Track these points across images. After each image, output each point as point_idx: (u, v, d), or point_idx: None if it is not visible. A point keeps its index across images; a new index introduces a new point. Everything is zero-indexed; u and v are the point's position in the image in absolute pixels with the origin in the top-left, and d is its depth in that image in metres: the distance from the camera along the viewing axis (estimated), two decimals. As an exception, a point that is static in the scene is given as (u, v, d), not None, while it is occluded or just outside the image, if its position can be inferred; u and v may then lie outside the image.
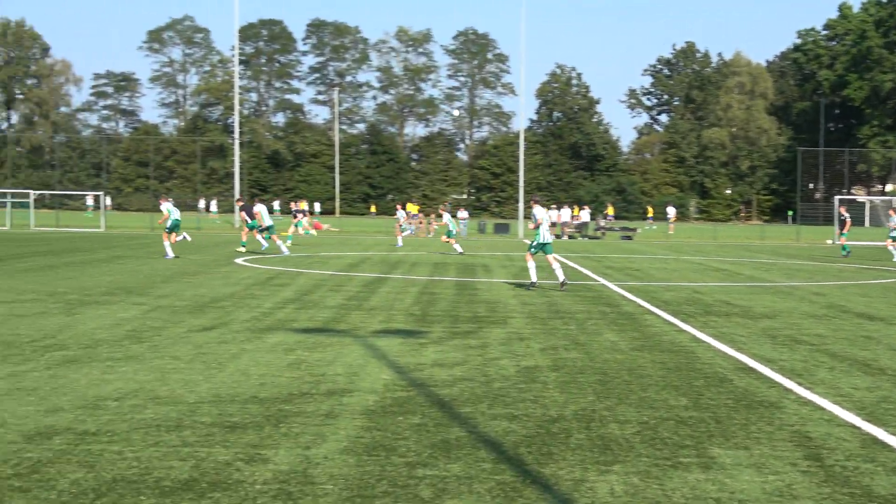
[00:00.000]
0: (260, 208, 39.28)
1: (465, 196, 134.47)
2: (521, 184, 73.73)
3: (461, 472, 7.55)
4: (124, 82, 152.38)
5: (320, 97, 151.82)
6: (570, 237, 65.23)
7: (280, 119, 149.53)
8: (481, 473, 7.54)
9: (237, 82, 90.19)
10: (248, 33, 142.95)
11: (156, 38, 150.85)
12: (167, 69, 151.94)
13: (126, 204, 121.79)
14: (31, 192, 74.95)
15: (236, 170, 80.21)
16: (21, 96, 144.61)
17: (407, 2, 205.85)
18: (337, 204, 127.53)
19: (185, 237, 40.07)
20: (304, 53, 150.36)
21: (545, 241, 23.98)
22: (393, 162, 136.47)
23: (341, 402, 10.01)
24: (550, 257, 24.23)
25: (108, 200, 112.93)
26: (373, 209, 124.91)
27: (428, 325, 16.54)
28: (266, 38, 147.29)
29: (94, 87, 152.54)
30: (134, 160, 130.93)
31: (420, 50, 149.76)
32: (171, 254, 33.81)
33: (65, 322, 15.94)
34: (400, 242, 48.41)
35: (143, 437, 8.39)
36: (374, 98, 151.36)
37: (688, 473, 7.71)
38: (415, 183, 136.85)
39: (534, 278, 24.21)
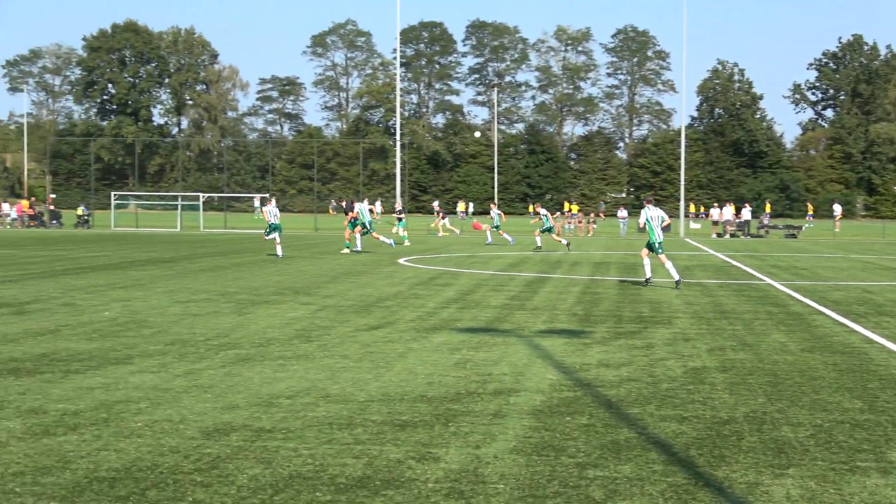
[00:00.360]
0: (360, 207, 39.94)
1: (623, 195, 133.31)
2: (682, 182, 72.74)
3: (632, 474, 7.51)
4: (289, 86, 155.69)
5: (479, 98, 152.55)
6: (733, 235, 64.07)
7: (440, 120, 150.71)
8: (652, 475, 7.49)
9: (398, 85, 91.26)
10: (409, 36, 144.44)
11: (319, 43, 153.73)
12: (330, 73, 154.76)
13: (290, 206, 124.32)
14: (201, 194, 77.17)
15: (397, 171, 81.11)
16: (191, 102, 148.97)
17: (566, 1, 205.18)
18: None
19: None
20: (464, 54, 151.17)
21: (660, 240, 24.48)
22: (551, 161, 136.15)
23: (508, 401, 10.05)
24: (662, 256, 24.48)
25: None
26: (530, 209, 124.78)
27: (591, 325, 16.47)
28: (426, 41, 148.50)
29: (259, 91, 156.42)
30: (297, 163, 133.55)
31: (579, 48, 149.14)
32: (359, 247, 37.31)
33: (237, 321, 16.38)
34: (511, 240, 48.80)
35: (317, 435, 8.56)
36: (533, 98, 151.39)
37: (866, 478, 7.51)
38: (573, 182, 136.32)
39: (648, 274, 24.64)
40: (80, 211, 68.78)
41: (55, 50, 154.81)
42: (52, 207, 74.01)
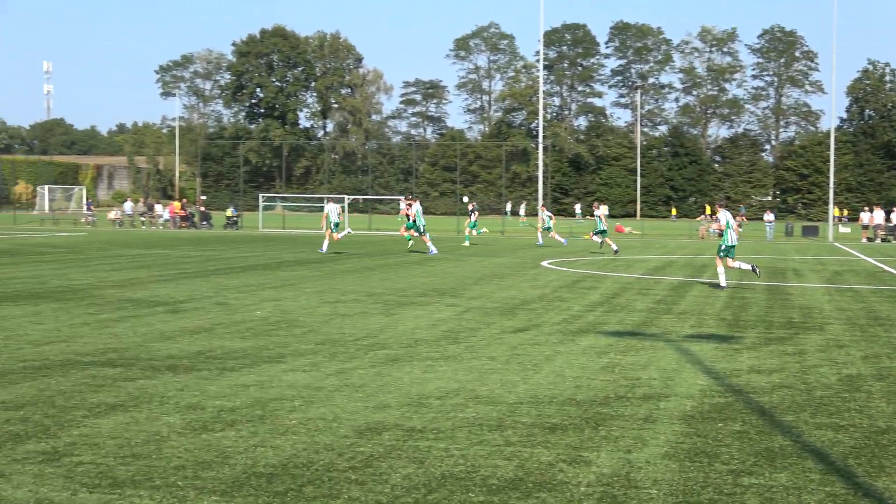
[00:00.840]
0: (415, 208, 40.06)
1: (769, 198, 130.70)
2: (832, 185, 71.02)
3: (788, 482, 7.38)
4: (432, 89, 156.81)
5: (622, 100, 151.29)
6: (884, 240, 62.31)
7: (582, 122, 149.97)
8: (809, 484, 7.35)
9: (541, 87, 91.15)
10: (551, 38, 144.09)
11: (462, 46, 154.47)
12: (473, 76, 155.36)
13: (433, 207, 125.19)
14: (346, 196, 78.25)
15: (539, 173, 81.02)
16: (336, 105, 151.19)
17: (711, 1, 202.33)
18: (638, 207, 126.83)
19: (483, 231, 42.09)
20: (607, 56, 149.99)
21: (732, 244, 24.85)
22: (695, 164, 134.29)
23: (658, 406, 9.97)
24: (729, 260, 24.92)
25: (509, 206, 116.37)
26: (673, 212, 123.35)
27: (741, 330, 16.22)
28: (569, 43, 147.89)
29: (403, 94, 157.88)
30: (440, 165, 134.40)
31: (724, 49, 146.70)
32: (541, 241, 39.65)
33: (385, 322, 16.58)
34: (564, 242, 48.32)
35: (468, 436, 8.62)
36: (677, 100, 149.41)
37: None
38: (718, 185, 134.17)
39: (723, 283, 24.49)
40: (229, 212, 70.38)
41: (206, 55, 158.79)
42: (202, 209, 75.90)
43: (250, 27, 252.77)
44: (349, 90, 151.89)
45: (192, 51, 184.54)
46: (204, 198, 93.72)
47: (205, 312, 17.55)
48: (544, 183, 79.58)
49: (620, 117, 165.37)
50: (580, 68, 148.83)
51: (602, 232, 42.23)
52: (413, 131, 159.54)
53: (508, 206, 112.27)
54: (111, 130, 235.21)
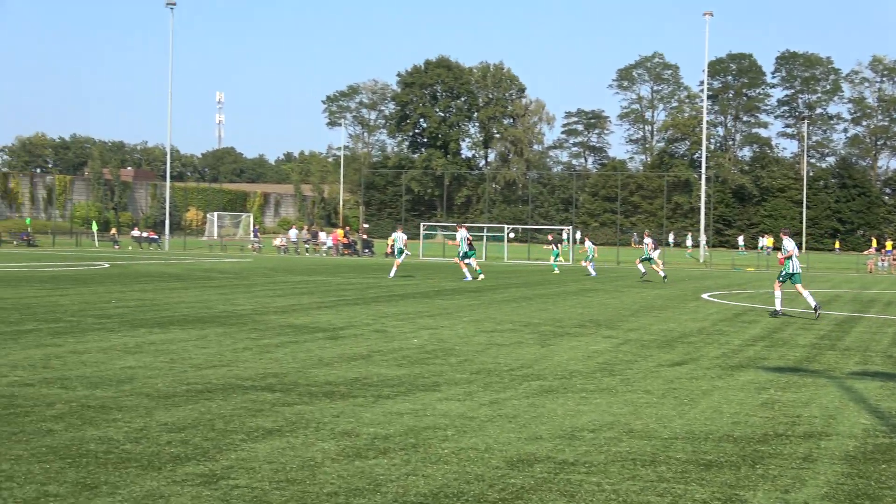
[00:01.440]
0: (462, 235, 39.94)
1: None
2: None
3: (955, 529, 7.07)
4: (594, 120, 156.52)
5: (788, 130, 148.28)
6: None
7: (746, 153, 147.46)
8: (978, 532, 7.03)
9: (705, 117, 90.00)
10: (716, 68, 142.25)
11: (625, 76, 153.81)
12: (635, 106, 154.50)
13: (592, 238, 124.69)
14: (505, 226, 78.43)
15: (702, 204, 80.00)
16: (498, 135, 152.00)
17: (882, 30, 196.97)
18: (803, 239, 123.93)
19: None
20: (773, 86, 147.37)
21: (794, 272, 25.42)
22: (864, 196, 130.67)
23: (819, 445, 9.68)
24: (799, 287, 25.56)
25: (578, 234, 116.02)
26: (836, 245, 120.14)
27: (909, 369, 15.65)
28: (734, 73, 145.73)
29: (565, 125, 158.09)
30: (601, 195, 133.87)
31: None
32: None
33: (540, 353, 16.54)
34: (592, 272, 47.83)
35: (620, 470, 8.52)
36: (845, 130, 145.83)
37: None
38: (888, 218, 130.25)
39: (779, 307, 25.22)
40: (391, 240, 71.27)
41: (372, 86, 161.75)
42: (364, 237, 77.01)
43: (415, 58, 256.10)
44: (511, 120, 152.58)
45: (358, 81, 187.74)
46: (367, 226, 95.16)
47: (363, 339, 17.79)
48: (706, 214, 78.36)
49: (786, 148, 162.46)
50: (745, 98, 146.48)
51: (648, 259, 42.88)
52: (574, 161, 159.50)
53: (671, 238, 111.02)
54: (279, 159, 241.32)
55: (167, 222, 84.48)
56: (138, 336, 17.33)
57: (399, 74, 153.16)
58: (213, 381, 12.56)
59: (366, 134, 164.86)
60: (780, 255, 25.92)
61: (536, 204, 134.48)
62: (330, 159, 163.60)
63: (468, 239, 40.73)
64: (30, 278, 33.46)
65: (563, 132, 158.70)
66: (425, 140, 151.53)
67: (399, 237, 41.50)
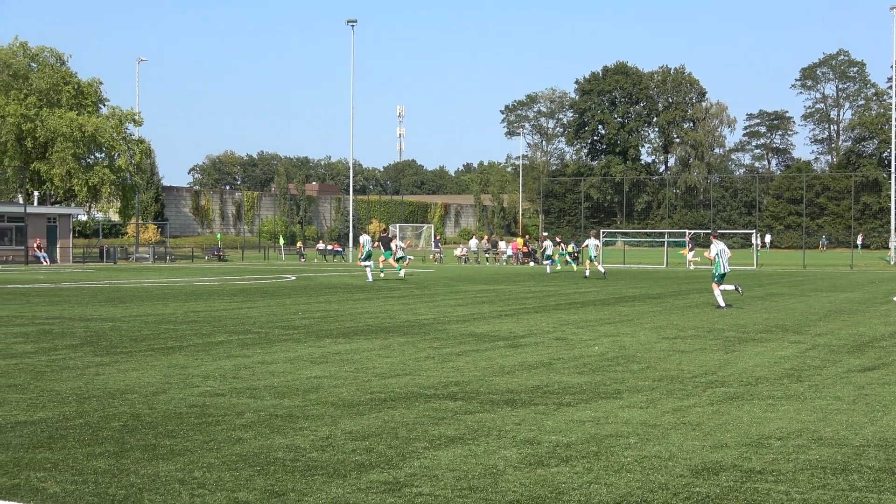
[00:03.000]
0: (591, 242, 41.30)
1: None
2: None
3: None
4: (777, 121, 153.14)
5: None
6: None
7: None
8: None
9: (895, 114, 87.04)
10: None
11: (809, 75, 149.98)
12: (820, 105, 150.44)
13: (777, 241, 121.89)
14: (687, 231, 77.36)
15: (892, 205, 77.36)
16: (678, 140, 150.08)
17: None
18: None
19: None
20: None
21: (724, 272, 27.91)
22: None
23: None
24: (720, 285, 27.98)
25: (768, 238, 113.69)
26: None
27: None
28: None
29: (746, 127, 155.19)
30: (785, 198, 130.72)
31: None
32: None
33: (724, 359, 16.23)
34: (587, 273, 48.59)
35: (809, 479, 8.29)
36: None
37: None
38: None
39: (721, 304, 27.46)
40: (570, 248, 71.02)
41: (549, 94, 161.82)
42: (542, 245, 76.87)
43: (593, 65, 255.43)
44: (692, 124, 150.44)
45: (536, 90, 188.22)
46: (546, 234, 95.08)
47: (544, 347, 17.77)
48: (898, 214, 75.79)
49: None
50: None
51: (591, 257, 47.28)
52: (757, 164, 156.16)
53: (859, 239, 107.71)
54: (458, 170, 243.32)
55: (350, 235, 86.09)
56: (324, 346, 17.70)
57: (577, 82, 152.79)
58: (397, 390, 12.73)
59: (544, 142, 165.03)
60: (708, 255, 28.64)
61: (718, 208, 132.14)
62: (509, 169, 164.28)
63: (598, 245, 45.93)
64: (220, 292, 34.56)
65: (744, 134, 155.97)
66: (604, 147, 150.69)
67: (398, 245, 43.52)
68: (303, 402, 11.86)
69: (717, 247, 28.10)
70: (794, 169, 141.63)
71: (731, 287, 28.42)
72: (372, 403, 11.77)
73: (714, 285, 27.96)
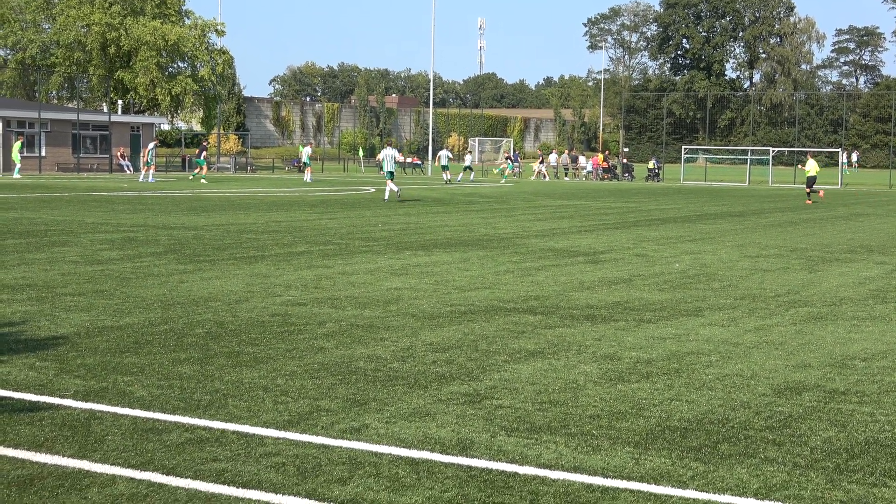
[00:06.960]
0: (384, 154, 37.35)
1: None
2: None
3: None
4: (867, 37, 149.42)
5: None
6: None
7: None
8: None
9: None
10: None
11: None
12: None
13: (863, 161, 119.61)
14: (770, 149, 76.10)
15: None
16: (764, 55, 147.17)
17: None
18: None
19: None
20: None
21: (390, 170, 36.32)
22: None
23: None
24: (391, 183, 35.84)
25: (855, 157, 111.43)
26: None
27: None
28: None
29: (835, 43, 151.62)
30: (872, 116, 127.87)
31: None
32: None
33: (808, 279, 16.03)
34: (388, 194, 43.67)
35: (894, 401, 8.18)
36: None
37: None
38: None
39: (387, 196, 36.17)
40: (650, 164, 70.29)
41: (633, 7, 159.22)
42: (624, 161, 76.23)
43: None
44: (778, 39, 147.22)
45: (619, 3, 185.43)
46: (626, 150, 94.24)
47: (624, 263, 17.68)
48: None
49: None
50: None
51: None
52: (844, 81, 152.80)
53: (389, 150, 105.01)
54: (539, 84, 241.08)
55: (430, 148, 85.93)
56: (403, 258, 17.77)
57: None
58: (476, 303, 12.75)
59: (627, 57, 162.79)
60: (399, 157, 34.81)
61: (803, 126, 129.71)
62: (590, 83, 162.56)
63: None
64: (300, 202, 34.78)
65: (832, 51, 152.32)
66: (688, 62, 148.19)
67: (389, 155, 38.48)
68: (383, 312, 11.93)
69: (386, 153, 37.02)
70: (882, 87, 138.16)
71: (395, 188, 36.17)
72: (452, 316, 11.81)
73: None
